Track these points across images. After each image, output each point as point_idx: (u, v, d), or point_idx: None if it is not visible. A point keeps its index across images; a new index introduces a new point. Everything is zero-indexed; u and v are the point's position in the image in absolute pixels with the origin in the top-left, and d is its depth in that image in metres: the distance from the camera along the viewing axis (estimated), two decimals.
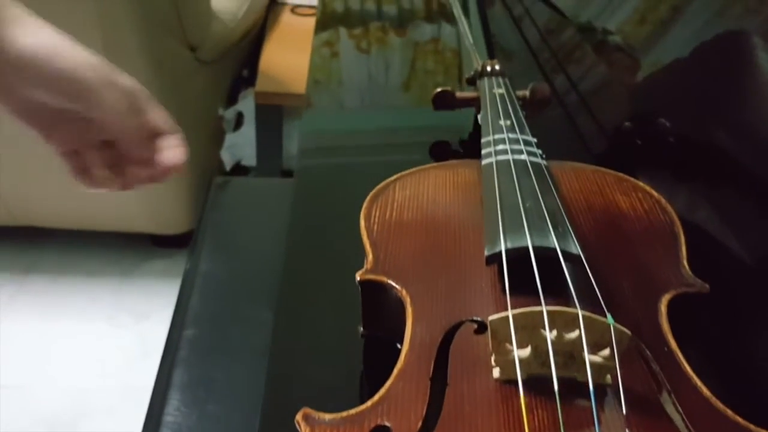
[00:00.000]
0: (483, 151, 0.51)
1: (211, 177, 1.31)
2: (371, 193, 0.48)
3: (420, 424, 0.32)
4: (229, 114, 1.62)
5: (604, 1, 0.83)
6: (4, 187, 1.48)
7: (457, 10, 0.95)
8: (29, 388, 1.35)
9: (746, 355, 0.42)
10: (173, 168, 0.50)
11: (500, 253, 0.38)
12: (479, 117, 0.59)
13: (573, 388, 0.32)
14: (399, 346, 0.38)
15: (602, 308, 0.35)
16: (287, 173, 1.56)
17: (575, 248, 0.38)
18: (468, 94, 0.65)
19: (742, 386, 0.41)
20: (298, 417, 0.34)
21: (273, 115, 1.52)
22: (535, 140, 0.52)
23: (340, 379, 0.45)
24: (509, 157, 0.49)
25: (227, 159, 1.70)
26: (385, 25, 1.13)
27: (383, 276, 0.41)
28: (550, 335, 0.32)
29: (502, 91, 0.61)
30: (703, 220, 0.51)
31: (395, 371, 0.35)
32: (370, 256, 0.43)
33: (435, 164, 0.53)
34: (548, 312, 0.32)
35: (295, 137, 1.46)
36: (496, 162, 0.48)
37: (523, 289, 0.37)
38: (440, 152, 0.68)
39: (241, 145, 1.71)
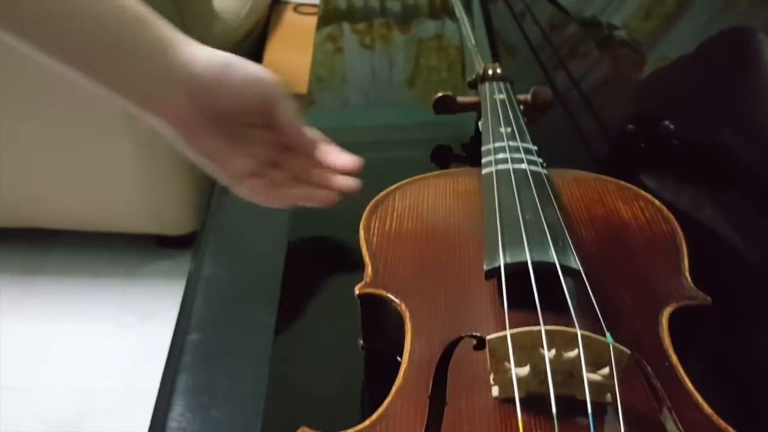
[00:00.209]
0: (483, 160, 0.51)
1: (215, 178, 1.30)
2: (371, 204, 0.48)
3: None
4: None
5: None
6: (9, 188, 1.49)
7: (459, 11, 0.94)
8: (33, 389, 1.36)
9: (749, 368, 0.42)
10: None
11: (499, 268, 0.38)
12: (480, 124, 0.59)
13: (572, 406, 0.32)
14: (399, 358, 0.38)
15: (602, 325, 0.34)
16: None
17: (575, 263, 0.38)
18: (469, 99, 0.64)
19: (744, 402, 0.40)
20: None
21: None
22: (535, 148, 0.52)
23: (341, 387, 0.45)
24: (509, 166, 0.48)
25: None
26: (389, 21, 1.13)
27: (382, 289, 0.41)
28: (548, 354, 0.32)
29: (503, 96, 0.60)
30: (708, 224, 0.51)
31: (394, 389, 0.35)
32: (369, 269, 0.43)
33: (435, 173, 0.53)
34: (547, 331, 0.32)
35: None
36: (496, 171, 0.48)
37: (523, 305, 0.36)
38: (441, 157, 0.67)
39: None
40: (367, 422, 0.33)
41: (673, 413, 0.33)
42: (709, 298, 0.39)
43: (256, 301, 0.58)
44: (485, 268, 0.39)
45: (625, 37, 0.74)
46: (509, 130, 0.54)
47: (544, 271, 0.38)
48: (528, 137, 0.53)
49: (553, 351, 0.32)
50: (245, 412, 0.49)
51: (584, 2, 0.87)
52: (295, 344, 0.50)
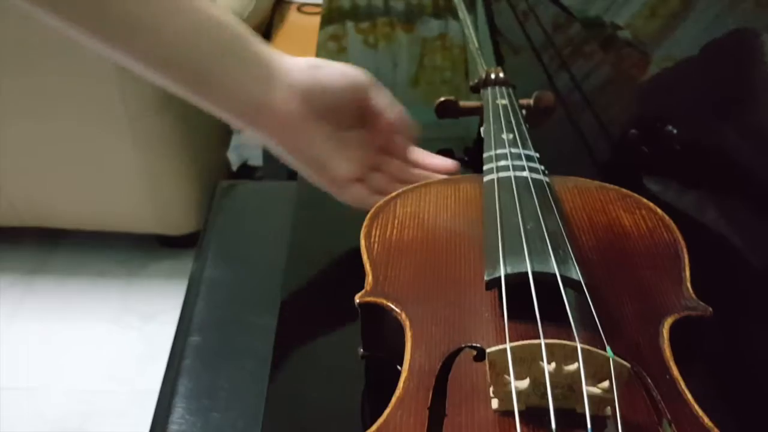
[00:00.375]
0: (485, 167, 0.51)
1: (218, 178, 1.31)
2: (372, 211, 0.48)
3: None
4: None
5: None
6: (12, 188, 1.49)
7: (462, 13, 0.94)
8: (36, 389, 1.36)
9: (751, 379, 0.42)
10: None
11: (499, 278, 0.38)
12: (482, 130, 0.59)
13: (572, 420, 0.32)
14: (399, 367, 0.38)
15: (602, 337, 0.34)
16: (294, 174, 1.56)
17: (576, 273, 0.38)
18: (471, 103, 0.64)
19: (745, 414, 0.40)
20: None
21: None
22: (537, 155, 0.52)
23: (341, 394, 0.45)
24: (511, 173, 0.48)
25: (234, 159, 1.71)
26: (393, 20, 1.13)
27: (382, 298, 0.41)
28: (548, 368, 0.31)
29: (505, 102, 0.60)
30: (712, 229, 0.51)
31: (393, 399, 0.35)
32: (369, 277, 0.42)
33: (437, 179, 0.53)
34: (546, 345, 0.32)
35: None
36: (498, 179, 0.48)
37: (524, 315, 0.36)
38: None
39: (247, 145, 1.71)
40: None
41: (673, 426, 0.33)
42: (711, 309, 0.39)
43: (258, 304, 0.59)
44: (486, 278, 0.39)
45: (629, 36, 0.74)
46: (511, 136, 0.53)
47: (545, 281, 0.37)
48: (530, 144, 0.53)
49: (553, 364, 0.32)
50: (246, 416, 0.49)
51: (588, 2, 0.87)
52: (295, 351, 0.50)
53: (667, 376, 0.36)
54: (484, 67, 0.70)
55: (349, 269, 0.45)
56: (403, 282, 0.42)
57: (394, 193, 0.50)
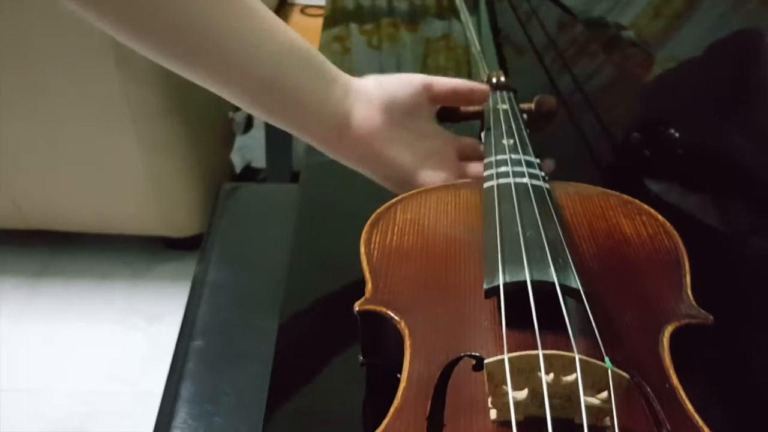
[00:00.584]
0: (485, 173, 0.51)
1: (222, 180, 1.31)
2: (372, 217, 0.48)
3: None
4: (239, 116, 1.63)
5: None
6: (17, 191, 1.50)
7: (465, 16, 0.94)
8: (40, 390, 1.37)
9: (751, 388, 0.42)
10: None
11: (498, 287, 0.38)
12: (482, 135, 0.59)
13: (570, 430, 0.32)
14: (398, 375, 0.37)
15: (601, 347, 0.34)
16: (297, 175, 1.56)
17: (575, 282, 0.38)
18: (473, 108, 0.64)
19: (746, 424, 0.40)
20: None
21: None
22: (538, 161, 0.51)
23: (342, 400, 0.45)
24: (511, 180, 0.48)
25: (237, 161, 1.71)
26: (397, 21, 1.13)
27: (382, 306, 0.41)
28: (546, 378, 0.31)
29: (506, 106, 0.60)
30: (715, 235, 0.50)
31: (392, 409, 0.35)
32: (369, 285, 0.42)
33: (437, 185, 0.53)
34: (545, 356, 0.32)
35: None
36: (498, 186, 0.48)
37: (523, 324, 0.36)
38: None
39: (251, 147, 1.71)
40: None
41: None
42: (711, 317, 0.39)
43: (261, 307, 0.59)
44: (485, 287, 0.39)
45: (633, 37, 0.73)
46: (511, 141, 0.53)
47: (544, 290, 0.37)
48: (530, 149, 0.53)
49: (551, 375, 0.32)
50: (249, 421, 0.49)
51: (592, 2, 0.87)
52: (295, 356, 0.50)
53: (667, 386, 0.35)
54: (485, 71, 0.70)
55: (353, 272, 0.45)
56: (402, 290, 0.42)
57: (394, 200, 0.50)
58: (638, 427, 0.33)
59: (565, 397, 0.32)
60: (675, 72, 0.62)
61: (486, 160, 0.52)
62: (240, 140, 1.68)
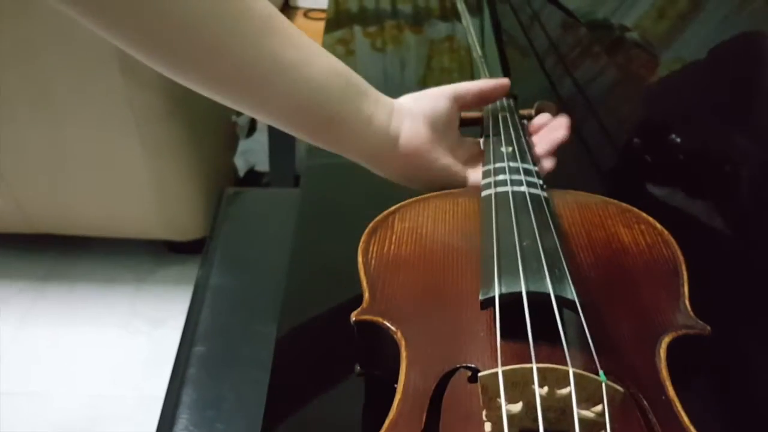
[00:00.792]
0: (483, 181, 0.51)
1: (225, 183, 1.31)
2: (369, 226, 0.48)
3: None
4: (243, 120, 1.63)
5: None
6: (22, 195, 1.50)
7: (466, 20, 0.94)
8: (44, 394, 1.37)
9: (749, 399, 0.41)
10: None
11: (493, 298, 0.38)
12: (482, 141, 0.59)
13: None
14: (395, 386, 0.37)
15: (596, 361, 0.34)
16: (299, 181, 1.56)
17: (570, 293, 0.38)
18: (472, 114, 0.64)
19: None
20: None
21: None
22: (536, 169, 0.51)
23: (339, 409, 0.45)
24: (508, 188, 0.48)
25: (241, 165, 1.71)
26: (400, 23, 1.13)
27: (379, 316, 0.40)
28: (540, 391, 0.31)
29: (506, 113, 0.60)
30: (716, 242, 0.50)
31: (387, 422, 0.35)
32: (366, 294, 0.42)
33: (435, 193, 0.53)
34: (539, 369, 0.31)
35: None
36: (495, 194, 0.47)
37: (518, 336, 0.36)
38: None
39: (254, 151, 1.72)
40: None
41: None
42: (709, 328, 0.39)
43: (263, 313, 0.59)
44: (480, 298, 0.38)
45: (637, 38, 0.73)
46: (510, 149, 0.53)
47: (540, 301, 0.37)
48: (529, 157, 0.53)
49: (546, 388, 0.31)
50: (250, 427, 0.49)
51: (596, 3, 0.87)
52: (294, 365, 0.50)
53: (663, 398, 0.35)
54: (486, 76, 0.70)
55: (354, 278, 0.45)
56: (399, 300, 0.42)
57: (392, 208, 0.50)
58: None
59: (560, 411, 0.32)
60: (678, 76, 0.62)
61: (484, 168, 0.52)
62: (243, 144, 1.68)
